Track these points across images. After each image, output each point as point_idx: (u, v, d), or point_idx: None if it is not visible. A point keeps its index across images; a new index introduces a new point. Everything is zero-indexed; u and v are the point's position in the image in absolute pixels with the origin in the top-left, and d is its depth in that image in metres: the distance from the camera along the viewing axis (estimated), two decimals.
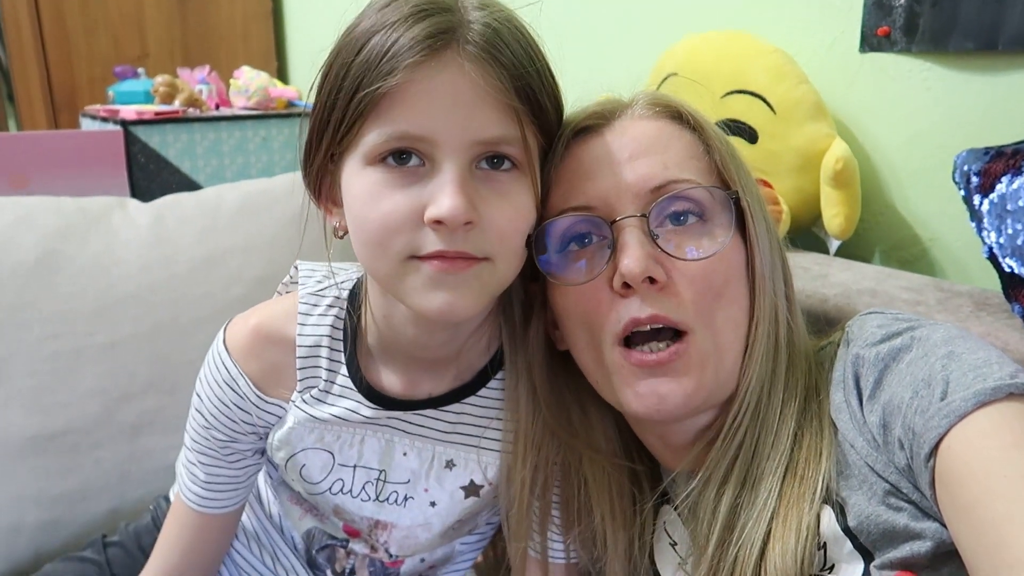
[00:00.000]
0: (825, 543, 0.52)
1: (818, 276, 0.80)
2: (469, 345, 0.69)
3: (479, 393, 0.71)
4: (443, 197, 0.53)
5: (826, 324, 0.73)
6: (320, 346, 0.69)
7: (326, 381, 0.69)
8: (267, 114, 1.93)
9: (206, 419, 0.71)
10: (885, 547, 0.50)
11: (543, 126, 0.59)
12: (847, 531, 0.51)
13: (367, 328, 0.69)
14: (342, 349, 0.69)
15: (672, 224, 0.57)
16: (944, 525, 0.47)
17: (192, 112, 1.85)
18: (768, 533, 0.53)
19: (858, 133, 0.95)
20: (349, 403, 0.69)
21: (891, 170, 0.92)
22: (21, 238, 1.02)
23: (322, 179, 0.61)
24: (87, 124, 1.73)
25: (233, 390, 0.69)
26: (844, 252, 0.93)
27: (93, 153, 1.44)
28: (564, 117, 0.63)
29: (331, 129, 0.57)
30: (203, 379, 0.71)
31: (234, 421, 0.70)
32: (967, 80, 0.83)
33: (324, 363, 0.69)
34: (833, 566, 0.52)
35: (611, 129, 0.61)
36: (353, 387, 0.69)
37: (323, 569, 0.79)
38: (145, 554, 0.84)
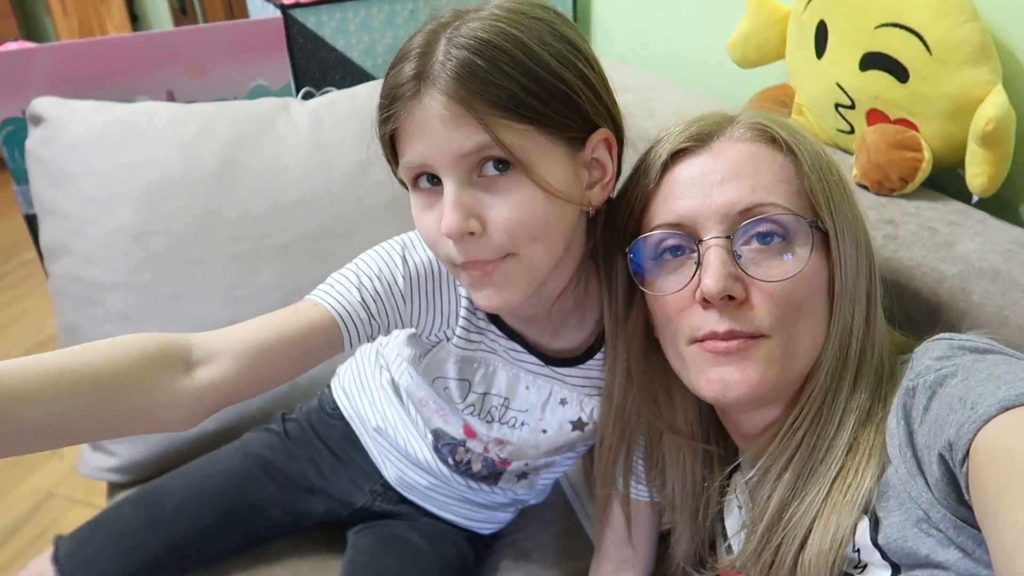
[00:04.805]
0: (859, 548, 0.58)
1: (943, 244, 0.77)
2: (557, 308, 0.75)
3: (586, 364, 0.80)
4: (445, 216, 0.62)
5: (937, 309, 0.73)
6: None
7: (467, 311, 0.78)
8: None
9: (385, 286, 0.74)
10: (911, 567, 0.55)
11: (539, 118, 0.60)
12: (876, 545, 0.57)
13: None
14: None
15: (756, 244, 0.61)
16: (968, 553, 0.51)
17: None
18: (810, 530, 0.59)
19: None
20: (489, 339, 0.80)
21: None
22: (205, 148, 1.16)
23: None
24: (254, 9, 1.83)
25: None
26: (987, 201, 0.88)
27: (258, 40, 1.55)
28: (665, 134, 0.67)
29: (385, 157, 0.68)
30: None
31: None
32: None
33: (464, 301, 0.78)
34: (866, 566, 0.58)
35: (708, 150, 0.64)
36: (489, 322, 0.79)
37: (445, 458, 0.94)
38: (313, 428, 1.03)
